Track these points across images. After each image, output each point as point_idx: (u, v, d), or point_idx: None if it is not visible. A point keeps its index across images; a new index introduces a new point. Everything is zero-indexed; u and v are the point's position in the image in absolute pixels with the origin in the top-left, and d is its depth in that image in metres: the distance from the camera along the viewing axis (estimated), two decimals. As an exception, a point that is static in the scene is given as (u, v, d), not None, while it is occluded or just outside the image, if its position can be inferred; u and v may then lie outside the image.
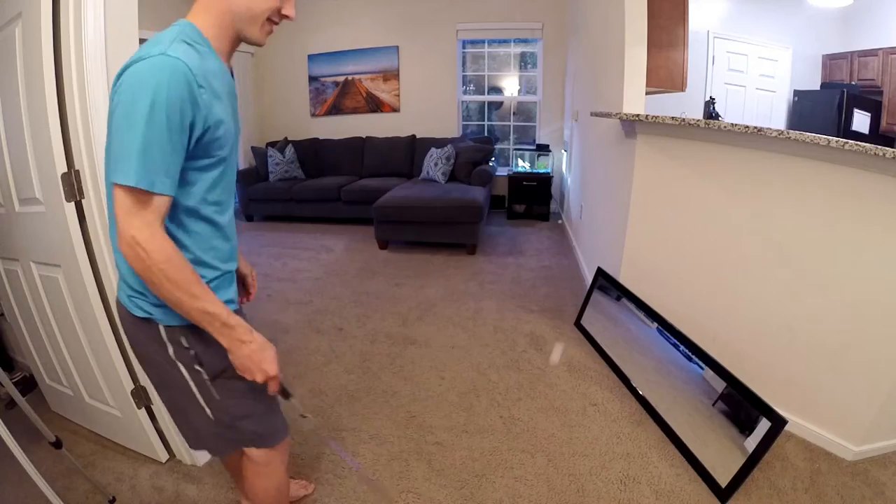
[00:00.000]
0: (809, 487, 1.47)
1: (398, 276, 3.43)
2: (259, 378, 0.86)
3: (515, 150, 5.29)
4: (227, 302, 0.96)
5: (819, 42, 4.06)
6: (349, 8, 5.28)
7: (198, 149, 0.80)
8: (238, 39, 0.88)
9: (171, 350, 0.89)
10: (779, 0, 3.93)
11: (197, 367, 0.91)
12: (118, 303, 0.93)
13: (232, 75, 0.94)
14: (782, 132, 1.48)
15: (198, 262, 0.87)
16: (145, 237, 0.73)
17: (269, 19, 0.86)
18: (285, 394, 0.94)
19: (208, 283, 0.90)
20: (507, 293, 3.06)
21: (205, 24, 0.83)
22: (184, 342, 0.89)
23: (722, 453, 1.48)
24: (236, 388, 0.95)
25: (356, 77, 5.50)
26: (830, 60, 4.05)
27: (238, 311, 1.02)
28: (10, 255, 1.61)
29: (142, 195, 0.72)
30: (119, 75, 0.74)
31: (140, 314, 0.87)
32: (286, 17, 0.88)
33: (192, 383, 0.92)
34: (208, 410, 0.95)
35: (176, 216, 0.83)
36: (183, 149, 0.76)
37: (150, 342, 0.90)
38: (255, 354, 0.85)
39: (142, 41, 1.38)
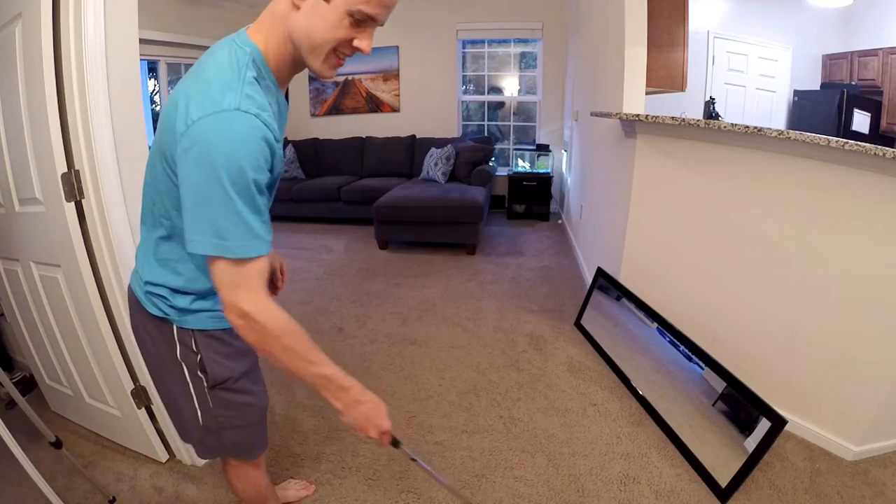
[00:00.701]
0: (809, 487, 1.47)
1: (398, 276, 3.43)
2: (373, 434, 0.84)
3: (515, 150, 5.29)
4: None
5: (819, 42, 4.06)
6: (349, 8, 5.27)
7: None
8: (301, 65, 0.77)
9: (178, 350, 0.90)
10: (779, 0, 3.93)
11: (199, 374, 0.91)
12: (130, 291, 0.93)
13: (287, 98, 0.86)
14: (782, 132, 1.48)
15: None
16: (256, 309, 0.71)
17: (335, 51, 0.73)
18: (396, 443, 0.93)
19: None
20: (507, 293, 3.06)
21: (267, 48, 0.74)
22: (193, 346, 0.89)
23: (722, 453, 1.48)
24: (231, 401, 0.96)
25: (356, 77, 5.50)
26: (830, 60, 4.05)
27: None
28: (10, 255, 1.61)
29: (241, 264, 0.69)
30: (185, 120, 0.66)
31: (156, 313, 0.88)
32: (359, 50, 0.73)
33: (191, 386, 0.93)
34: (199, 414, 0.95)
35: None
36: (267, 201, 0.74)
37: (159, 337, 0.91)
38: (372, 413, 0.83)
39: (142, 41, 1.38)
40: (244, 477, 1.11)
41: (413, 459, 1.02)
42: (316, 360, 0.77)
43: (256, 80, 0.72)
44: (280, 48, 0.74)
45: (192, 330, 0.89)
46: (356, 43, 0.72)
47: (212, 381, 0.92)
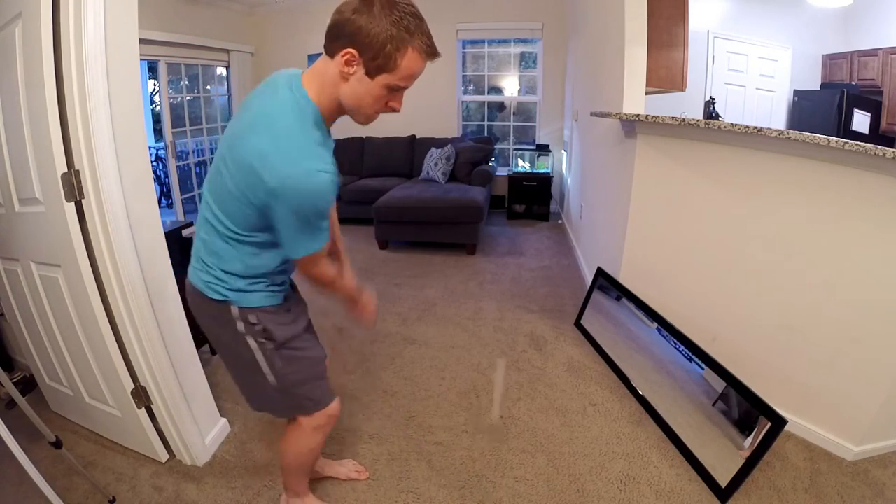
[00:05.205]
0: (809, 487, 1.47)
1: (398, 276, 3.43)
2: (366, 318, 1.28)
3: (515, 150, 5.28)
4: (282, 284, 1.13)
5: (819, 42, 4.05)
6: (349, 8, 5.27)
7: None
8: (342, 114, 0.97)
9: (240, 326, 1.06)
10: (779, 0, 3.93)
11: (264, 340, 1.08)
12: (190, 285, 1.09)
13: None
14: (782, 132, 1.48)
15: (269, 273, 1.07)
16: (321, 273, 1.05)
17: (374, 111, 0.94)
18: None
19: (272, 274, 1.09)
20: (507, 293, 3.06)
21: (321, 102, 0.92)
22: (251, 319, 1.06)
23: (722, 453, 1.48)
24: (295, 357, 1.14)
25: (310, 139, 5.45)
26: (830, 60, 4.04)
27: (291, 295, 1.20)
28: (10, 255, 1.61)
29: (315, 254, 0.98)
30: (277, 176, 0.84)
31: (216, 297, 1.04)
32: (392, 109, 0.95)
33: (258, 353, 1.09)
34: (271, 377, 1.12)
35: (263, 244, 1.02)
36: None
37: (220, 318, 1.07)
38: (366, 309, 1.26)
39: (142, 41, 1.38)
40: (311, 439, 1.24)
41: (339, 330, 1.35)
42: (340, 288, 1.16)
43: (321, 136, 0.92)
44: (330, 104, 0.93)
45: (249, 308, 1.05)
46: (391, 104, 0.94)
47: (278, 343, 1.10)
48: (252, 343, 1.08)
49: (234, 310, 1.05)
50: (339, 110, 0.95)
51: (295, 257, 0.98)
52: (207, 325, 1.12)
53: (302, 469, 1.33)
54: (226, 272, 1.03)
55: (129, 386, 1.52)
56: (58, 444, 1.30)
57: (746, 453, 1.41)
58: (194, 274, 1.07)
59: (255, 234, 0.98)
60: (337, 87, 0.89)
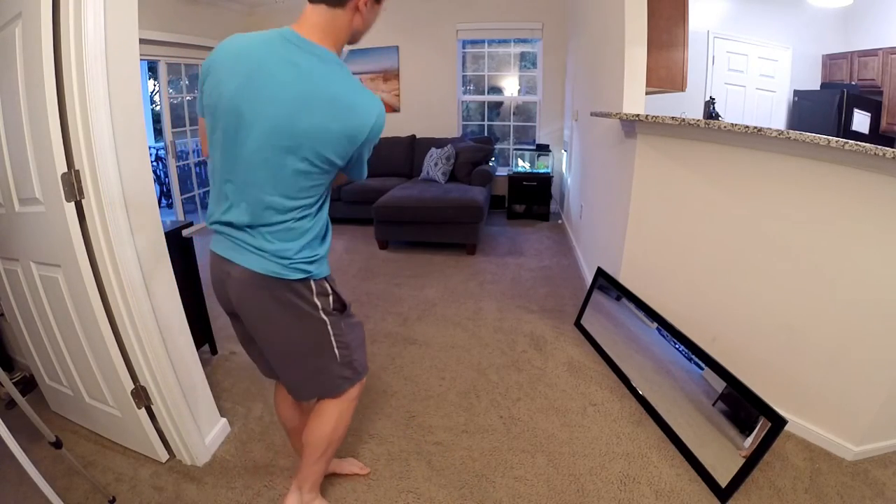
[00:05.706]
0: (809, 487, 1.47)
1: (398, 276, 3.43)
2: None
3: (515, 150, 5.29)
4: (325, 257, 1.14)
5: (819, 42, 4.06)
6: (349, 8, 5.27)
7: None
8: None
9: (318, 301, 1.10)
10: (779, 0, 3.93)
11: (334, 310, 1.14)
12: (257, 277, 1.03)
13: None
14: (782, 132, 1.48)
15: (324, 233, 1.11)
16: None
17: None
18: None
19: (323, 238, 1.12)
20: (507, 293, 3.06)
21: (336, 48, 0.99)
22: (328, 288, 1.12)
23: (722, 453, 1.48)
24: (353, 323, 1.22)
25: (356, 77, 5.49)
26: (830, 60, 4.05)
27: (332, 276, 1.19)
28: (10, 255, 1.61)
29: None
30: (367, 120, 0.95)
31: (299, 276, 1.04)
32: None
33: (329, 326, 1.13)
34: (337, 351, 1.17)
35: (323, 204, 1.08)
36: None
37: (291, 301, 1.06)
38: None
39: (142, 41, 1.38)
40: (350, 411, 1.29)
41: None
42: None
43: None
44: (342, 45, 1.02)
45: (325, 277, 1.11)
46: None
47: (347, 307, 1.19)
48: (324, 317, 1.12)
49: (313, 284, 1.08)
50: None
51: (363, 178, 1.10)
52: (269, 314, 1.08)
53: (334, 449, 1.30)
54: (305, 245, 1.04)
55: (129, 386, 1.52)
56: (58, 444, 1.30)
57: (746, 453, 1.41)
58: (259, 263, 1.02)
59: (325, 193, 1.06)
60: (350, 28, 0.97)
